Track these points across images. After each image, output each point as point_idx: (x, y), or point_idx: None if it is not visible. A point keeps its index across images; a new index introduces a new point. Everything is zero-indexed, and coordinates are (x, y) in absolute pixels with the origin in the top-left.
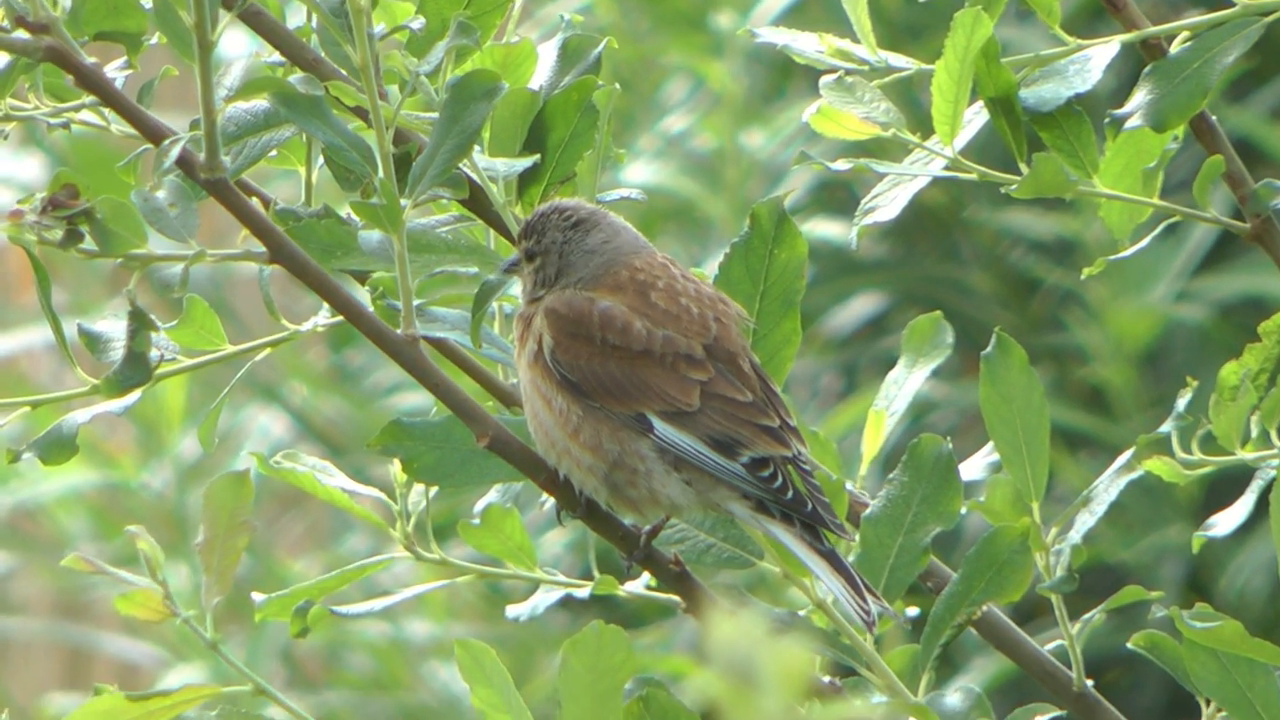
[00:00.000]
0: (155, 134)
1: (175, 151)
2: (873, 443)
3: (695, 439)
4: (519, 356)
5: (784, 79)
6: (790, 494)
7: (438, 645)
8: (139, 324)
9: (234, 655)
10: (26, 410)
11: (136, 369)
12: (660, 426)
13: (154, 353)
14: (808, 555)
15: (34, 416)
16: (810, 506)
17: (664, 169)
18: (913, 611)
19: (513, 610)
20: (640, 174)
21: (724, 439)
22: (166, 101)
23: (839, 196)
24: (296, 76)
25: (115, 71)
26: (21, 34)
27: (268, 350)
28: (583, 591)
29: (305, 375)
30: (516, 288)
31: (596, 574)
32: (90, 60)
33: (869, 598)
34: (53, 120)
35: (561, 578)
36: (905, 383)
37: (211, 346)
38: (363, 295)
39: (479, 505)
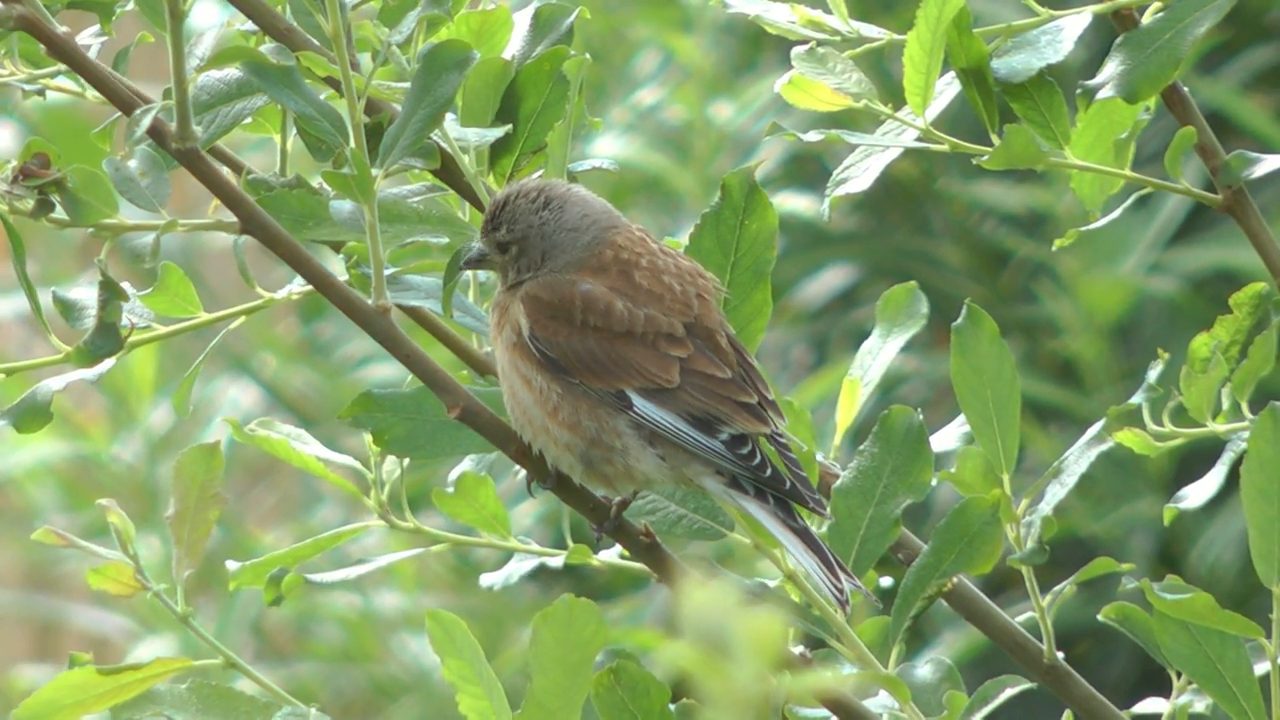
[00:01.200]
0: (127, 103)
1: (146, 121)
2: (847, 412)
3: (675, 415)
4: (495, 339)
5: (754, 52)
6: (769, 471)
7: (407, 617)
8: (110, 294)
9: (204, 628)
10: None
11: (107, 338)
12: (640, 403)
13: (127, 319)
14: (781, 532)
15: (5, 386)
16: (789, 484)
17: (634, 142)
18: (885, 581)
19: (486, 579)
20: (611, 147)
21: (703, 416)
22: (141, 67)
23: (809, 169)
24: (268, 46)
25: (89, 39)
26: None
27: (242, 319)
28: (556, 561)
29: (276, 347)
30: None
31: (570, 544)
32: (63, 29)
33: (841, 575)
34: (28, 86)
35: (535, 546)
36: (880, 352)
37: (186, 314)
38: (337, 265)
39: (453, 473)
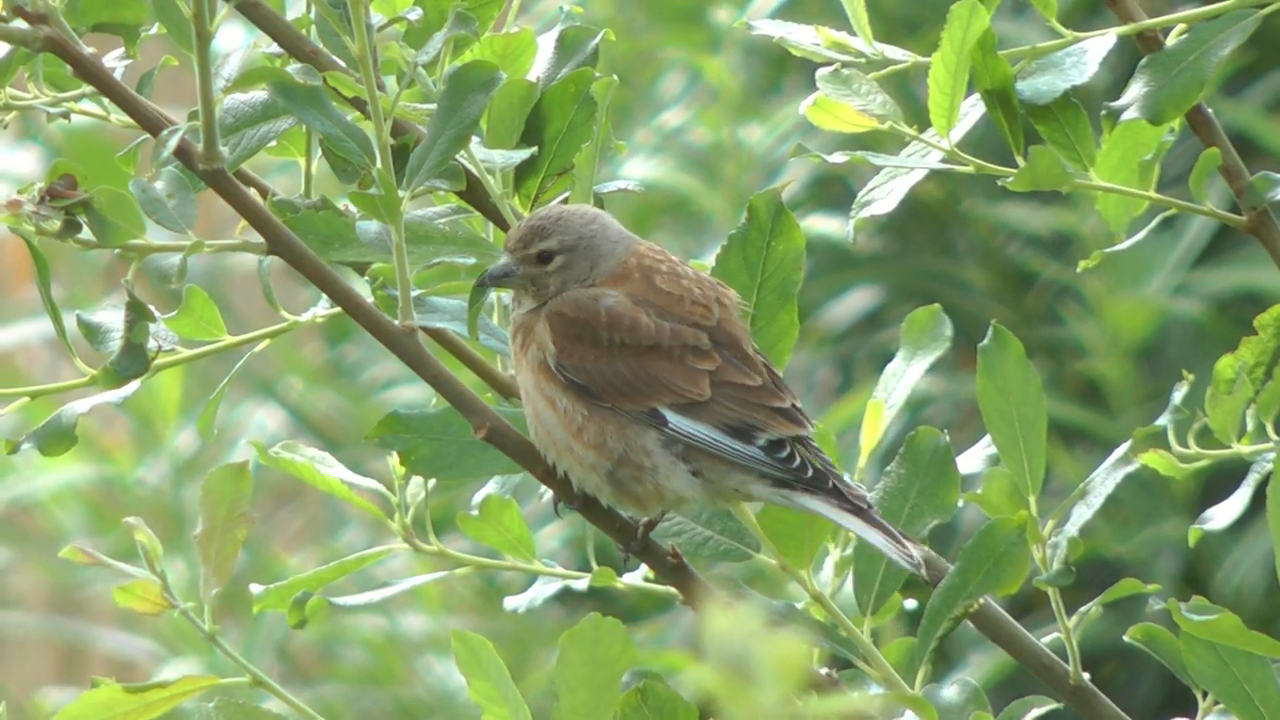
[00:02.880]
0: (153, 124)
1: (173, 142)
2: (871, 434)
3: (710, 427)
4: (518, 360)
5: (780, 74)
6: (810, 472)
7: (433, 639)
8: (136, 314)
9: (229, 649)
10: (24, 402)
11: (134, 359)
12: (674, 419)
13: (152, 343)
14: (841, 516)
15: (31, 409)
16: (830, 483)
17: (661, 163)
18: (910, 604)
19: (511, 602)
20: (637, 168)
21: (739, 425)
22: (164, 91)
23: (834, 191)
24: (294, 67)
25: (114, 61)
26: (20, 23)
27: (267, 341)
28: (580, 583)
29: (301, 370)
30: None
31: (595, 566)
32: (89, 50)
33: (908, 544)
34: (52, 109)
35: (560, 569)
36: (904, 374)
37: (210, 337)
38: (361, 286)
39: (477, 496)
